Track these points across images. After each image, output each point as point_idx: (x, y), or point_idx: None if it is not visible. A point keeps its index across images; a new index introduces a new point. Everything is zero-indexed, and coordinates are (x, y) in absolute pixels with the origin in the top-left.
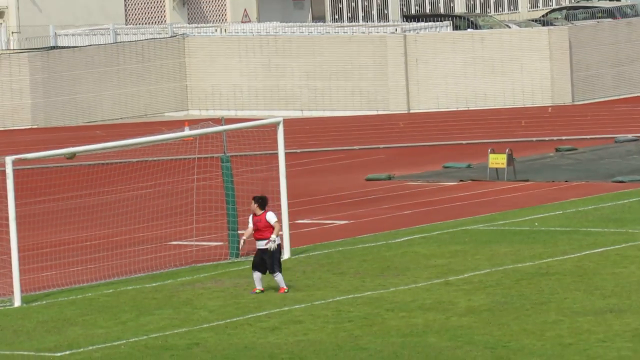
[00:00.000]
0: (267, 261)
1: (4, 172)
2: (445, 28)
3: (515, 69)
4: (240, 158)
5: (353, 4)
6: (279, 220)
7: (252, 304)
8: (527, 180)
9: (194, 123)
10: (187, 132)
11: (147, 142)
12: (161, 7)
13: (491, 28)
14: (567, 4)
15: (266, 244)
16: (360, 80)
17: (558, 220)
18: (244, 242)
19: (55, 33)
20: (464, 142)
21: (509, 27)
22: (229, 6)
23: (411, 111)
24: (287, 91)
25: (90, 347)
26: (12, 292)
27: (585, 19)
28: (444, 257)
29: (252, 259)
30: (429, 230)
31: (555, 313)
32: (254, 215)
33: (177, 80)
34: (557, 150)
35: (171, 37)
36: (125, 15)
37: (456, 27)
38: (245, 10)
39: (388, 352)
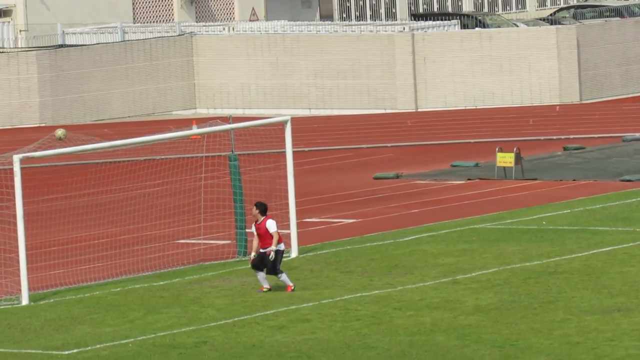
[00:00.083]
0: (268, 265)
1: (11, 171)
2: (453, 27)
3: (523, 67)
4: (248, 156)
5: (361, 3)
6: (278, 230)
7: (260, 302)
8: (535, 179)
9: (201, 121)
10: (195, 130)
11: (155, 141)
12: (169, 5)
13: (499, 27)
14: (575, 2)
15: (267, 252)
16: (368, 79)
17: (566, 219)
18: (254, 256)
19: (63, 31)
20: (471, 140)
21: (517, 26)
22: (237, 5)
23: (419, 110)
24: (295, 90)
25: (98, 346)
26: (20, 290)
27: (593, 17)
28: (451, 255)
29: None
30: (436, 229)
31: (563, 312)
32: (256, 222)
33: (185, 78)
34: (564, 149)
35: (179, 35)
36: (133, 13)
37: (464, 26)
38: (253, 8)
39: (396, 351)
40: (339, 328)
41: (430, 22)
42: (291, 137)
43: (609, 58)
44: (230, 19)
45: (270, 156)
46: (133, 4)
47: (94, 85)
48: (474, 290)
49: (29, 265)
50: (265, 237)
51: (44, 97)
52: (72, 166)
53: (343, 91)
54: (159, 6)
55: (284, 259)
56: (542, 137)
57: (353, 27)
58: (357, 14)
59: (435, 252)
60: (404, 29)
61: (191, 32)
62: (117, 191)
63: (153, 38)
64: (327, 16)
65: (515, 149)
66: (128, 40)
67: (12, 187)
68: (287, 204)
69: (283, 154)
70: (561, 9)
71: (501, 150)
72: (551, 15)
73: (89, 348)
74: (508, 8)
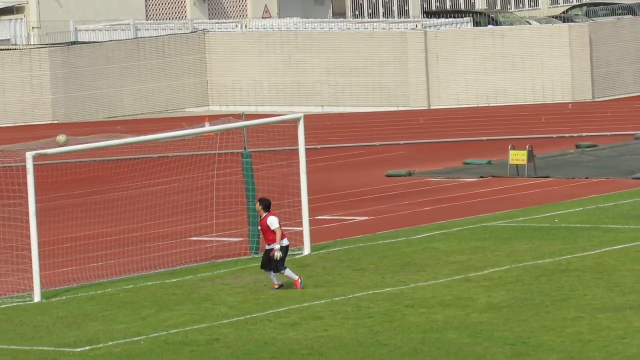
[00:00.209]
0: (272, 263)
1: (24, 168)
2: (465, 24)
3: (535, 65)
4: (261, 154)
5: (374, 0)
6: (280, 227)
7: (272, 299)
8: (548, 177)
9: (214, 119)
10: (208, 127)
11: (168, 138)
12: (182, 2)
13: (512, 25)
14: (588, 0)
15: (271, 254)
16: (381, 76)
17: (578, 217)
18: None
19: (76, 28)
20: (484, 138)
21: (530, 24)
22: (250, 2)
23: (431, 107)
24: (307, 87)
25: (110, 343)
26: (32, 287)
27: (605, 15)
28: (464, 253)
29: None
30: (449, 226)
31: (575, 310)
32: (260, 217)
33: (198, 76)
34: (577, 147)
35: (192, 32)
36: (146, 10)
37: (477, 24)
38: (266, 6)
39: (408, 349)
40: (352, 325)
41: (443, 20)
42: (304, 134)
43: (621, 56)
44: (243, 16)
45: (283, 154)
46: (146, 1)
47: (107, 82)
48: (486, 288)
49: (41, 262)
50: (267, 233)
51: (56, 95)
52: (84, 164)
53: (356, 89)
54: (172, 3)
55: (295, 257)
56: (554, 135)
57: (366, 24)
58: (370, 11)
59: (447, 249)
60: (416, 26)
61: (204, 30)
62: (129, 188)
63: (166, 35)
64: (339, 14)
65: (528, 147)
66: (141, 38)
67: (24, 184)
68: (299, 202)
69: (296, 152)
70: (574, 7)
71: (514, 148)
72: (564, 13)
73: (101, 345)
74: (521, 6)
